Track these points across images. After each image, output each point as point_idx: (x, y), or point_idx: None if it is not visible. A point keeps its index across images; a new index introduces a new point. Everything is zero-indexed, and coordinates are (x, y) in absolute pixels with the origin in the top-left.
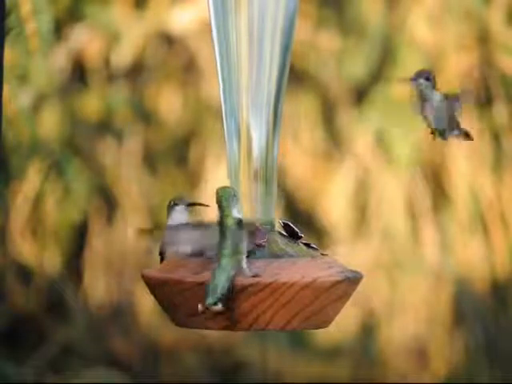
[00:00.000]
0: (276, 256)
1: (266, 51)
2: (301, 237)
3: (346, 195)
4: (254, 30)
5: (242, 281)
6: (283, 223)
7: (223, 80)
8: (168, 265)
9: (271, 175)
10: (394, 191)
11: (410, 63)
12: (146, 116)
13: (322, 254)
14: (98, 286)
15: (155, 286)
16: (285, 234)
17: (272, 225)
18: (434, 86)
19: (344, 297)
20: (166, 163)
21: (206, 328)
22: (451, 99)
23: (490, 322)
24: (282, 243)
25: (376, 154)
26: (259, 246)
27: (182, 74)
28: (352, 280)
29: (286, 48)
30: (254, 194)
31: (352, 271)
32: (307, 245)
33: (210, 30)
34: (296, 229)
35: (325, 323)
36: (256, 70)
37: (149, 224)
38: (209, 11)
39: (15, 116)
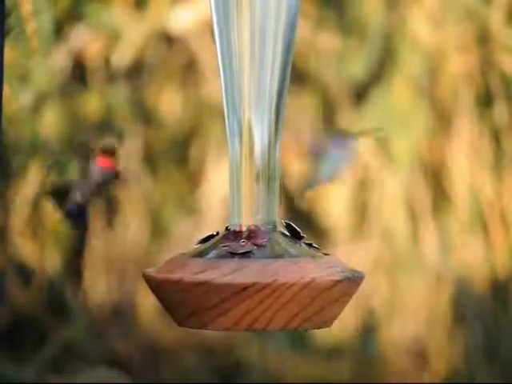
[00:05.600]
0: (277, 256)
1: (268, 51)
2: (303, 237)
3: (346, 195)
4: (255, 29)
5: (242, 281)
6: (285, 223)
7: (225, 80)
8: (169, 265)
9: (273, 175)
10: (394, 191)
11: (410, 63)
12: (146, 116)
13: (324, 254)
14: (98, 286)
15: (155, 286)
16: (287, 233)
17: (274, 225)
18: None
19: (345, 296)
20: (166, 163)
21: (207, 328)
22: None
23: (490, 322)
24: (283, 243)
25: (376, 154)
26: (259, 245)
27: (182, 74)
28: (352, 280)
29: (288, 47)
30: (256, 194)
31: (353, 271)
32: (309, 245)
33: (212, 31)
34: (298, 229)
35: (326, 323)
36: (258, 70)
37: (149, 224)
38: (210, 11)
39: (16, 116)
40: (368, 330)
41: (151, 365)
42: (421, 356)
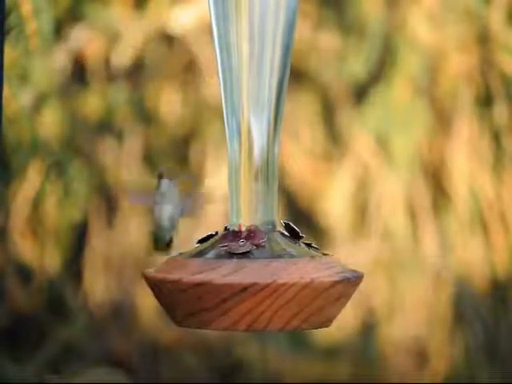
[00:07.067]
0: (277, 256)
1: (267, 51)
2: (302, 237)
3: (345, 195)
4: (254, 29)
5: (241, 281)
6: (284, 223)
7: (224, 80)
8: (168, 265)
9: (272, 175)
10: (393, 191)
11: (410, 63)
12: (146, 116)
13: (324, 254)
14: (98, 286)
15: (154, 286)
16: (286, 233)
17: (273, 225)
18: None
19: (344, 297)
20: (166, 163)
21: (206, 328)
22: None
23: (489, 322)
24: (283, 243)
25: (376, 153)
26: (258, 245)
27: (182, 74)
28: (351, 280)
29: (286, 47)
30: (254, 194)
31: (352, 271)
32: (308, 245)
33: (211, 30)
34: (297, 229)
35: (325, 323)
36: (257, 70)
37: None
38: (209, 11)
39: (15, 116)
40: (368, 330)
41: (151, 364)
42: (421, 356)
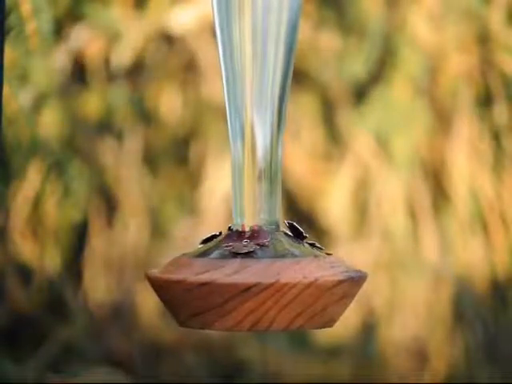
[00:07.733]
0: (280, 256)
1: (270, 51)
2: (306, 237)
3: (346, 195)
4: (257, 29)
5: (245, 281)
6: (288, 223)
7: (227, 80)
8: (172, 265)
9: (276, 175)
10: (394, 191)
11: (410, 63)
12: (146, 116)
13: (327, 254)
14: (98, 286)
15: (158, 287)
16: (290, 234)
17: (277, 225)
18: None
19: (347, 296)
20: (166, 163)
21: (209, 329)
22: None
23: (489, 322)
24: (286, 243)
25: (376, 153)
26: (262, 245)
27: (182, 74)
28: (355, 280)
29: (290, 48)
30: (258, 194)
31: (356, 271)
32: (312, 245)
33: (214, 30)
34: (301, 229)
35: (329, 323)
36: (260, 70)
37: (149, 224)
38: (212, 11)
39: (15, 116)
40: (368, 330)
41: (151, 364)
42: (421, 356)
